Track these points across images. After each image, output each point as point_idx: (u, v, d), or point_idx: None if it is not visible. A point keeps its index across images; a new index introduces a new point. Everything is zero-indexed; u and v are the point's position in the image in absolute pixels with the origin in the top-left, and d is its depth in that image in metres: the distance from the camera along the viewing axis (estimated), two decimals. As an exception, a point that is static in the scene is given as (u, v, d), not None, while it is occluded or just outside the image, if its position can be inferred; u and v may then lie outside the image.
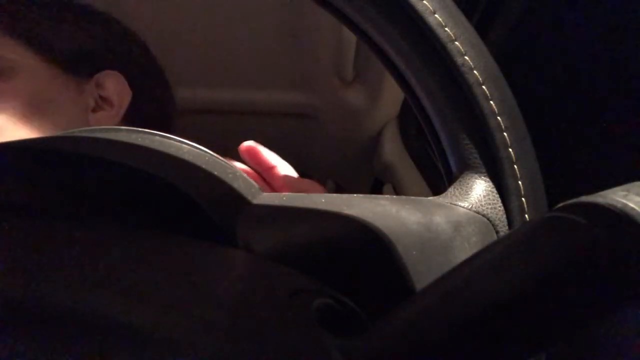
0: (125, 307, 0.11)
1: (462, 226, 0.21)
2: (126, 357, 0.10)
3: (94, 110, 0.52)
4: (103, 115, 0.53)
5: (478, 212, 0.22)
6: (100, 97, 0.53)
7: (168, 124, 0.62)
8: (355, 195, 0.22)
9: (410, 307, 0.16)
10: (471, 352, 0.14)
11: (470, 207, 0.22)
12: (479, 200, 0.23)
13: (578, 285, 0.15)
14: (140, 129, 0.22)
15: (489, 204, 0.23)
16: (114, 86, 0.53)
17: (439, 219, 0.21)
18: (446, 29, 0.21)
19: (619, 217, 0.15)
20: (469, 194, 0.23)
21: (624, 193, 0.16)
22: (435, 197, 0.23)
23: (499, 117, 0.23)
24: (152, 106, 0.59)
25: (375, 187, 0.87)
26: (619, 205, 0.15)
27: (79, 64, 0.52)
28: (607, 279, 0.15)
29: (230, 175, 0.20)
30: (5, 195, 0.17)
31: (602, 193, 0.17)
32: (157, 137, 0.21)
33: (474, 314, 0.15)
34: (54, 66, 0.51)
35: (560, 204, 0.19)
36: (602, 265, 0.15)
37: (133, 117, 0.56)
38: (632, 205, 0.15)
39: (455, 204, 0.22)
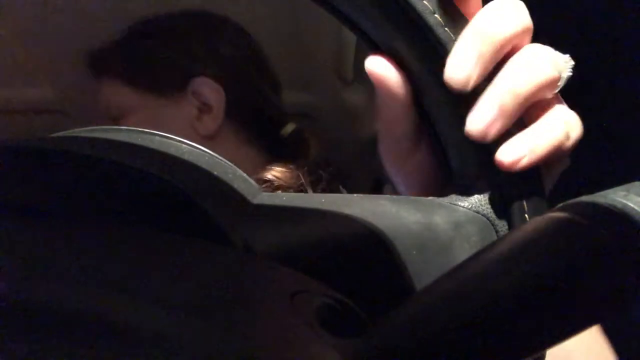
0: (124, 307, 0.11)
1: (462, 226, 0.21)
2: (125, 357, 0.10)
3: (198, 118, 0.55)
4: (207, 119, 0.55)
5: (478, 212, 0.22)
6: (202, 103, 0.55)
7: (276, 113, 0.61)
8: (355, 195, 0.22)
9: (411, 307, 0.16)
10: (471, 352, 0.14)
11: (470, 207, 0.22)
12: (479, 200, 0.23)
13: (578, 285, 0.15)
14: (140, 129, 0.22)
15: (489, 204, 0.23)
16: (208, 90, 0.55)
17: (439, 219, 0.21)
18: (446, 29, 0.21)
19: (619, 217, 0.15)
20: (469, 194, 0.23)
21: (624, 193, 0.16)
22: (435, 197, 0.23)
23: None
24: (252, 97, 0.58)
25: (375, 187, 0.87)
26: (619, 205, 0.15)
27: (175, 83, 0.55)
28: (607, 278, 0.15)
29: (230, 175, 0.21)
30: (6, 196, 0.17)
31: (602, 193, 0.17)
32: (157, 137, 0.21)
33: (474, 313, 0.15)
34: (157, 96, 0.55)
35: (560, 204, 0.19)
36: (602, 264, 0.15)
37: (236, 113, 0.56)
38: (632, 205, 0.15)
39: (455, 204, 0.22)
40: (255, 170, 0.55)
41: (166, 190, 0.19)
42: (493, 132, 0.21)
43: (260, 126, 0.60)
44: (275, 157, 0.58)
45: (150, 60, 0.56)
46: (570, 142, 0.22)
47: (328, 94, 0.74)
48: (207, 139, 0.55)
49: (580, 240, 0.15)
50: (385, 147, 0.28)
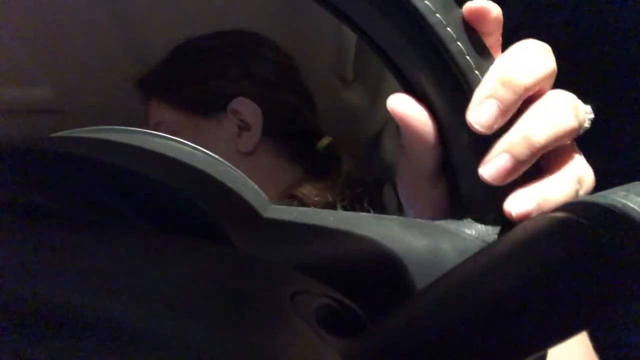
0: (124, 308, 0.11)
1: (468, 255, 0.21)
2: (124, 356, 0.10)
3: (238, 135, 0.57)
4: (246, 136, 0.57)
5: (485, 241, 0.22)
6: (241, 121, 0.57)
7: (311, 128, 0.64)
8: (363, 214, 0.22)
9: (411, 307, 0.16)
10: (471, 352, 0.14)
11: (477, 235, 0.22)
12: (485, 229, 0.23)
13: (578, 284, 0.15)
14: (155, 132, 0.22)
15: (496, 232, 0.23)
16: (246, 109, 0.57)
17: (446, 247, 0.21)
18: (458, 43, 0.21)
19: (619, 217, 0.15)
20: (476, 222, 0.23)
21: (624, 193, 0.16)
22: (443, 222, 0.23)
23: None
24: (288, 114, 0.61)
25: (375, 187, 0.87)
26: (619, 205, 0.15)
27: (216, 105, 0.58)
28: (607, 278, 0.15)
29: (243, 187, 0.21)
30: (6, 196, 0.17)
31: (602, 193, 0.17)
32: (171, 142, 0.21)
33: (473, 314, 0.15)
34: (201, 116, 0.58)
35: (561, 204, 0.19)
36: (602, 264, 0.15)
37: (273, 129, 0.59)
38: (632, 205, 0.15)
39: (462, 231, 0.22)
40: (289, 186, 0.57)
41: (175, 198, 0.19)
42: (506, 178, 0.21)
43: (296, 142, 0.62)
44: (310, 173, 0.60)
45: (192, 83, 0.59)
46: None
47: (328, 94, 0.74)
48: (246, 155, 0.57)
49: (580, 240, 0.15)
50: (404, 182, 0.28)
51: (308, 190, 0.57)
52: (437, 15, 0.21)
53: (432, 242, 0.21)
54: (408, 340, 0.14)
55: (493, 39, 0.23)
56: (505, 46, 0.23)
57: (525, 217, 0.21)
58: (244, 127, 0.57)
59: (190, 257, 0.15)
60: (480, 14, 0.21)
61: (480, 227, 0.23)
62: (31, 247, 0.14)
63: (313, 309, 0.15)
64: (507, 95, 0.21)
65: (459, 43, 0.21)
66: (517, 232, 0.17)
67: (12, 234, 0.14)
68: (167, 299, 0.12)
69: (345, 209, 0.58)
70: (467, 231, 0.22)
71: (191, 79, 0.59)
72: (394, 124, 0.77)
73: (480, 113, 0.21)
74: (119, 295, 0.12)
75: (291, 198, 0.55)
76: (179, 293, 0.13)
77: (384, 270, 0.20)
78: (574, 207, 0.16)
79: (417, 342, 0.14)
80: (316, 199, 0.57)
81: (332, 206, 0.58)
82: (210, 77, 0.58)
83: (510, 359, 0.15)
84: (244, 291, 0.14)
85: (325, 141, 0.63)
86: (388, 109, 0.24)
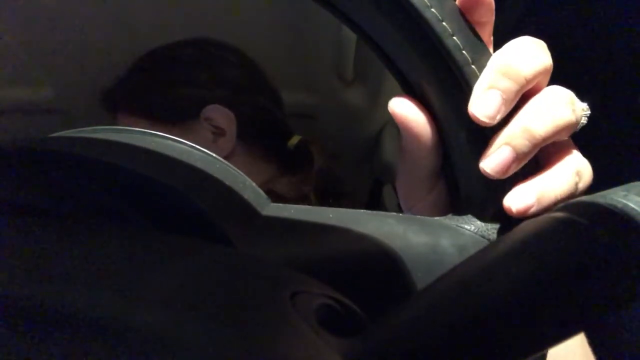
0: (123, 308, 0.11)
1: (467, 250, 0.21)
2: (124, 356, 0.10)
3: (214, 141, 0.58)
4: (222, 142, 0.58)
5: (484, 237, 0.22)
6: (214, 126, 0.58)
7: (282, 127, 0.65)
8: (362, 211, 0.22)
9: (410, 307, 0.16)
10: (471, 352, 0.14)
11: (476, 230, 0.22)
12: (484, 225, 0.23)
13: (578, 284, 0.15)
14: (155, 132, 0.22)
15: (495, 228, 0.23)
16: (219, 115, 0.58)
17: (445, 242, 0.21)
18: (454, 37, 0.21)
19: (619, 217, 0.15)
20: (475, 217, 0.23)
21: (624, 193, 0.16)
22: (442, 218, 0.23)
23: None
24: (259, 116, 0.62)
25: (375, 187, 0.87)
26: (619, 205, 0.15)
27: (188, 113, 0.58)
28: (607, 278, 0.15)
29: (241, 185, 0.21)
30: (6, 195, 0.17)
31: (602, 193, 0.17)
32: (169, 142, 0.21)
33: (473, 314, 0.15)
34: (173, 126, 0.58)
35: (561, 204, 0.19)
36: (602, 264, 0.15)
37: (246, 132, 0.59)
38: (632, 205, 0.15)
39: (461, 227, 0.22)
40: (264, 182, 0.59)
41: (174, 197, 0.19)
42: (507, 171, 0.21)
43: (268, 141, 0.62)
44: (284, 169, 0.62)
45: (160, 91, 0.59)
46: (577, 192, 0.22)
47: (328, 94, 0.74)
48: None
49: (580, 240, 0.15)
50: (403, 183, 0.28)
51: (283, 185, 0.60)
52: (432, 10, 0.21)
53: (431, 238, 0.21)
54: (408, 340, 0.14)
55: (486, 33, 0.23)
56: (505, 44, 0.23)
57: (525, 212, 0.21)
58: (218, 133, 0.58)
59: (191, 257, 0.15)
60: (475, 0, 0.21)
61: (480, 223, 0.23)
62: (31, 247, 0.14)
63: (313, 309, 0.15)
64: (508, 84, 0.21)
65: (455, 38, 0.21)
66: (517, 232, 0.17)
67: (12, 234, 0.14)
68: (167, 298, 0.12)
69: (318, 200, 0.63)
70: (467, 227, 0.22)
71: (159, 87, 0.59)
72: (394, 124, 0.78)
73: (482, 104, 0.21)
74: (119, 294, 0.12)
75: (268, 193, 0.57)
76: (179, 293, 0.13)
77: (383, 267, 0.20)
78: (574, 207, 0.16)
79: (417, 342, 0.14)
80: (291, 192, 0.60)
81: (306, 198, 0.63)
82: (178, 84, 0.58)
83: (510, 359, 0.15)
84: (244, 291, 0.14)
85: (295, 139, 0.64)
86: (389, 111, 0.24)
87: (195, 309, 0.12)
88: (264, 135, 0.62)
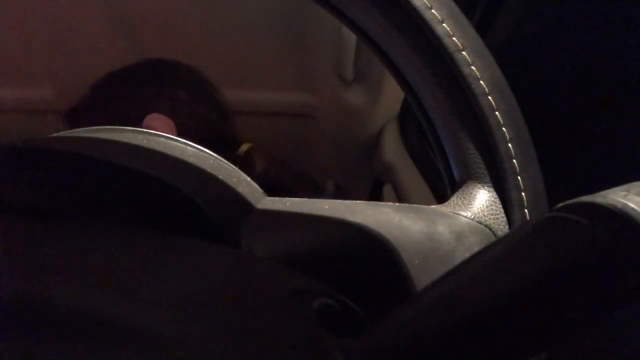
0: (123, 307, 0.11)
1: (464, 236, 0.21)
2: (124, 356, 0.10)
3: None
4: None
5: (480, 223, 0.22)
6: None
7: (227, 136, 0.68)
8: (358, 202, 0.22)
9: (410, 307, 0.16)
10: (471, 352, 0.14)
11: (473, 217, 0.22)
12: (481, 211, 0.23)
13: (578, 284, 0.15)
14: (145, 130, 0.22)
15: (492, 214, 0.23)
16: (159, 122, 0.60)
17: (442, 229, 0.21)
18: (454, 38, 0.21)
19: (619, 217, 0.15)
20: (471, 204, 0.23)
21: (624, 193, 0.16)
22: (438, 206, 0.23)
23: (504, 128, 0.23)
24: (200, 125, 0.66)
25: (375, 187, 0.87)
26: (619, 205, 0.15)
27: (129, 120, 0.60)
28: (607, 278, 0.15)
29: (235, 179, 0.20)
30: (6, 196, 0.17)
31: (602, 193, 0.17)
32: (162, 139, 0.21)
33: (473, 314, 0.15)
34: None
35: (561, 204, 0.19)
36: (602, 264, 0.15)
37: (188, 139, 0.61)
38: (632, 205, 0.15)
39: (457, 214, 0.22)
40: None
41: (169, 193, 0.19)
42: None
43: (213, 150, 0.64)
44: None
45: (111, 107, 0.63)
46: None
47: (328, 94, 0.74)
48: None
49: (580, 240, 0.15)
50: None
51: None
52: None
53: (428, 225, 0.21)
54: (408, 340, 0.14)
55: None
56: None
57: None
58: None
59: (191, 258, 0.15)
60: None
61: (475, 209, 0.23)
62: (31, 247, 0.14)
63: (313, 309, 0.15)
64: None
65: (444, 25, 0.21)
66: (516, 232, 0.17)
67: (12, 234, 0.14)
68: (167, 299, 0.12)
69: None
70: (463, 213, 0.22)
71: (110, 103, 0.63)
72: (394, 124, 0.78)
73: None
74: (119, 294, 0.12)
75: None
76: (180, 293, 0.13)
77: (380, 256, 0.20)
78: (574, 207, 0.16)
79: (417, 342, 0.14)
80: None
81: None
82: (127, 99, 0.62)
83: (510, 359, 0.15)
84: (245, 291, 0.14)
85: (245, 147, 0.68)
86: None
87: (195, 309, 0.12)
88: (206, 144, 0.64)
